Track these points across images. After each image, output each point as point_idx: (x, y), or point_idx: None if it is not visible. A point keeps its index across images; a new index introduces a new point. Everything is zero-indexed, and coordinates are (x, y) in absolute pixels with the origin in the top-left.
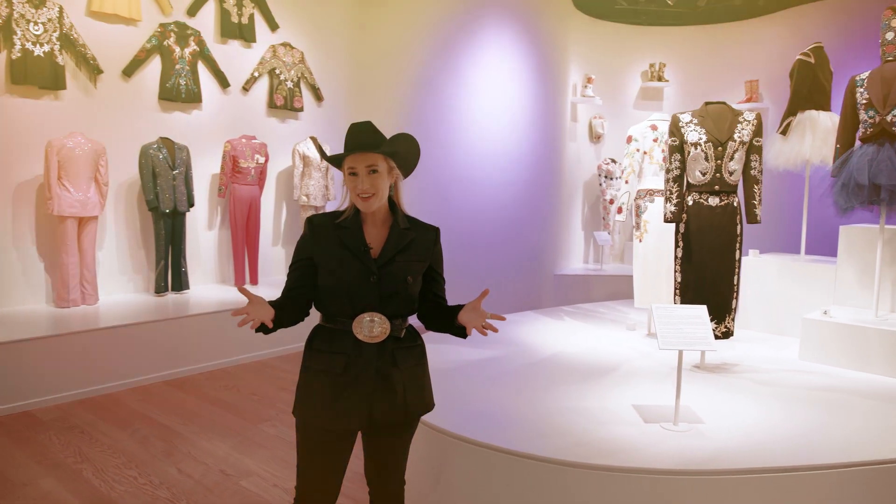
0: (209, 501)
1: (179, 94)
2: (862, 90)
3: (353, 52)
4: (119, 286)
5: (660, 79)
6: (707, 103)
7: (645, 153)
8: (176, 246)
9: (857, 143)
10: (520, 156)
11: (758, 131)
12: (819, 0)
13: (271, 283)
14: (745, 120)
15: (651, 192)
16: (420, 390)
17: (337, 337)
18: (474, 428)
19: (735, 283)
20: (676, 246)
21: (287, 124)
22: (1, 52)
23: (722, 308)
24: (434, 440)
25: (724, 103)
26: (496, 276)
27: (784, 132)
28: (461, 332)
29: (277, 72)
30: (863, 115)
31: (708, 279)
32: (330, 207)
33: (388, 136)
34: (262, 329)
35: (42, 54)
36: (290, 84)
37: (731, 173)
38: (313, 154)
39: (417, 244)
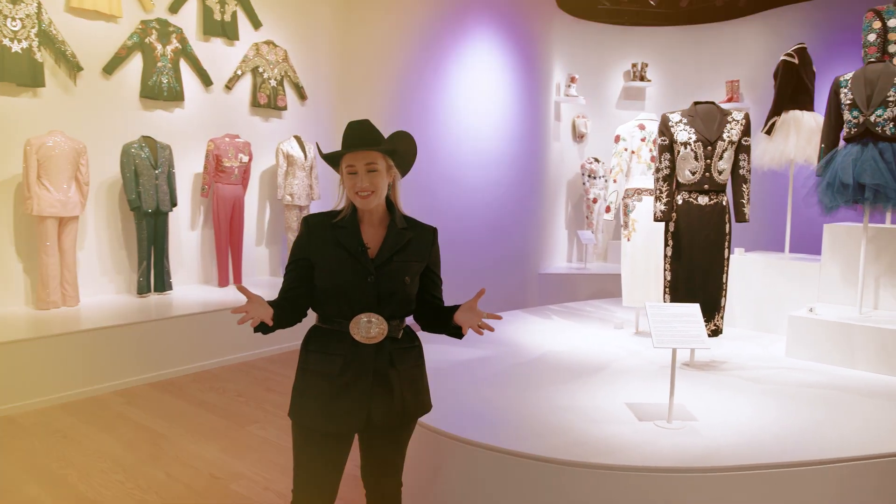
0: None
1: (161, 92)
2: (846, 90)
3: (336, 50)
4: (100, 287)
5: (642, 78)
6: (696, 103)
7: (633, 152)
8: (158, 246)
9: (842, 142)
10: (504, 155)
11: (746, 131)
12: (798, 2)
13: (255, 284)
14: (734, 120)
15: (639, 191)
16: (417, 391)
17: (334, 338)
18: (469, 428)
19: (724, 281)
20: (666, 244)
21: (270, 123)
22: None
23: (711, 306)
24: (429, 440)
25: (713, 103)
26: (481, 276)
27: (769, 132)
28: (457, 333)
29: (261, 70)
30: (847, 116)
31: (697, 277)
32: (314, 207)
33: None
34: (262, 328)
35: (20, 51)
36: (273, 82)
37: (720, 172)
38: (297, 153)
39: (415, 244)
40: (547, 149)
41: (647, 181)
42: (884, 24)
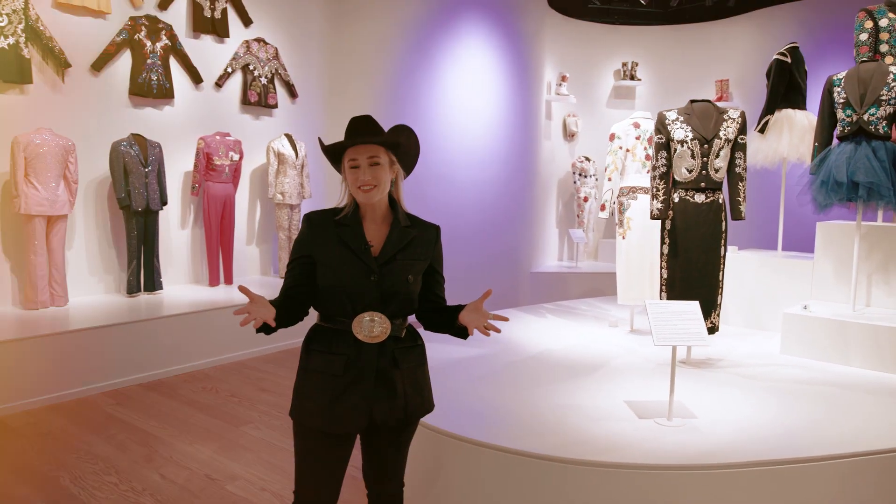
0: None
1: (151, 89)
2: (839, 89)
3: (327, 48)
4: (89, 287)
5: (632, 77)
6: (692, 101)
7: (627, 150)
8: (148, 245)
9: (835, 141)
10: (496, 154)
11: (742, 129)
12: (787, 2)
13: (246, 283)
14: (730, 118)
15: (634, 190)
16: (420, 391)
17: (336, 337)
18: (469, 427)
19: (720, 279)
20: (662, 242)
21: (261, 121)
22: None
23: (707, 304)
24: (429, 440)
25: (709, 101)
26: (473, 275)
27: (762, 130)
28: (462, 333)
29: (251, 68)
30: (840, 114)
31: (694, 275)
32: (305, 205)
33: None
34: (264, 329)
35: (6, 47)
36: (264, 80)
37: (716, 170)
38: (288, 151)
39: (418, 242)
40: (538, 147)
41: (642, 179)
42: (875, 24)
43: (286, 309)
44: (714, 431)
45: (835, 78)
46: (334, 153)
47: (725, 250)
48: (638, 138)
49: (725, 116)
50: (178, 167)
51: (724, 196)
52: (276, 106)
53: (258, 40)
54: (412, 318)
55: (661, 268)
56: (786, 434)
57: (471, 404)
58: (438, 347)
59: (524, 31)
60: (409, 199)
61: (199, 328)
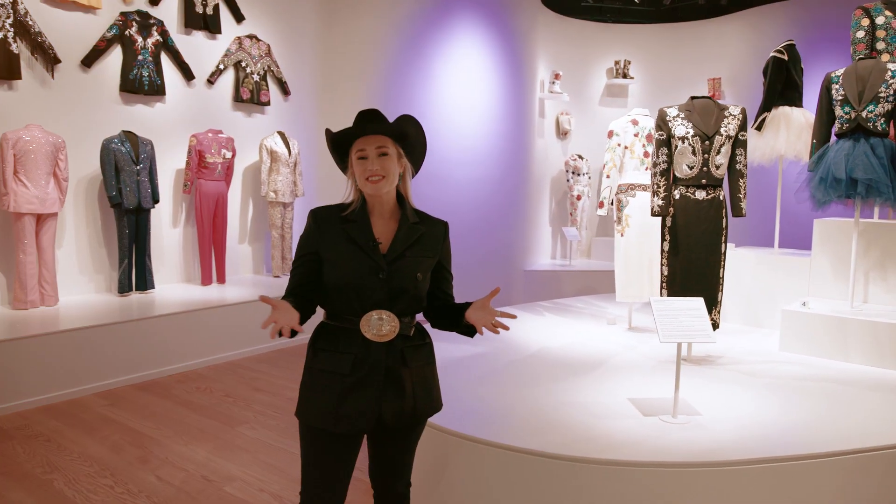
0: None
1: (142, 86)
2: (837, 87)
3: (320, 45)
4: (80, 286)
5: (625, 76)
6: (693, 98)
7: (626, 147)
8: (140, 244)
9: (833, 138)
10: (489, 152)
11: (743, 126)
12: (778, 1)
13: (238, 282)
14: (731, 114)
15: (632, 187)
16: (429, 391)
17: (343, 336)
18: (473, 425)
19: (721, 275)
20: (663, 239)
21: (253, 118)
22: None
23: (708, 300)
24: (434, 439)
25: (710, 98)
26: (467, 273)
27: (759, 127)
28: (469, 332)
29: (243, 64)
30: (838, 111)
31: (694, 272)
32: (298, 203)
33: None
34: (291, 333)
35: None
36: (256, 77)
37: (717, 167)
38: (281, 149)
39: (427, 239)
40: (531, 145)
41: (641, 176)
42: (872, 22)
43: (303, 310)
44: (719, 428)
45: (833, 75)
46: (341, 149)
47: (726, 247)
48: (636, 135)
49: (726, 113)
50: (169, 165)
51: (724, 193)
52: (268, 103)
53: (250, 37)
54: (419, 316)
55: (662, 265)
56: (790, 431)
57: (473, 403)
58: (437, 346)
59: (517, 28)
60: None
61: (192, 328)
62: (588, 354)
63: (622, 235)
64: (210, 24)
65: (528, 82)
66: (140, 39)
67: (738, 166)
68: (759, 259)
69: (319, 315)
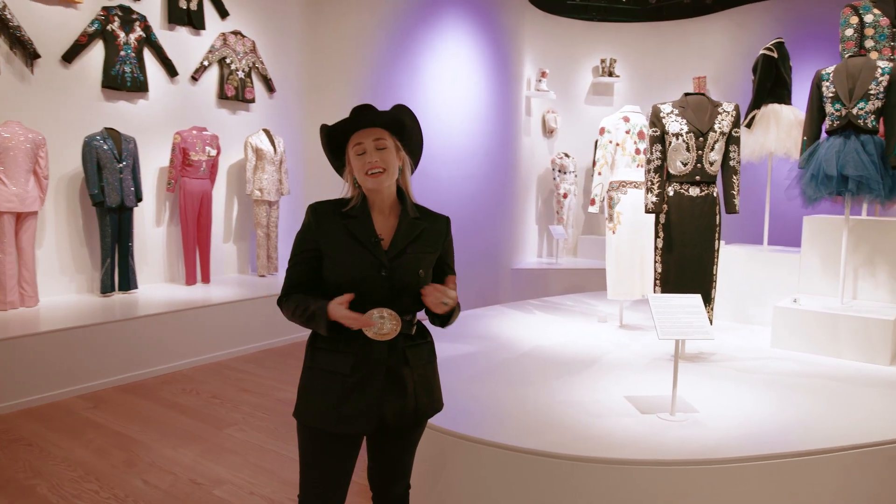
0: None
1: (125, 82)
2: (828, 84)
3: (306, 42)
4: (61, 287)
5: (611, 74)
6: (686, 94)
7: (617, 144)
8: (123, 243)
9: (823, 135)
10: (476, 150)
11: (736, 122)
12: (762, 0)
13: (224, 282)
14: (725, 111)
15: (624, 184)
16: (431, 390)
17: (343, 334)
18: (470, 425)
19: (714, 272)
20: (657, 236)
21: (238, 116)
22: None
23: (702, 297)
24: (431, 439)
25: (703, 94)
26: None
27: (749, 125)
28: (435, 320)
29: (228, 61)
30: (829, 108)
31: (688, 269)
32: (284, 202)
33: None
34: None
35: None
36: (241, 74)
37: (711, 164)
38: (266, 147)
39: (428, 234)
40: (518, 144)
41: (632, 174)
42: (860, 20)
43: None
44: (718, 426)
45: (823, 72)
46: (336, 146)
47: (720, 244)
48: (628, 132)
49: (720, 110)
50: (153, 163)
51: (718, 189)
52: (253, 100)
53: (235, 33)
54: (420, 314)
55: (656, 262)
56: (789, 427)
57: (468, 402)
58: None
59: (504, 26)
60: None
61: (177, 328)
62: (581, 352)
63: (614, 233)
64: (194, 20)
65: (515, 80)
66: (122, 35)
67: (731, 163)
68: (749, 256)
69: None
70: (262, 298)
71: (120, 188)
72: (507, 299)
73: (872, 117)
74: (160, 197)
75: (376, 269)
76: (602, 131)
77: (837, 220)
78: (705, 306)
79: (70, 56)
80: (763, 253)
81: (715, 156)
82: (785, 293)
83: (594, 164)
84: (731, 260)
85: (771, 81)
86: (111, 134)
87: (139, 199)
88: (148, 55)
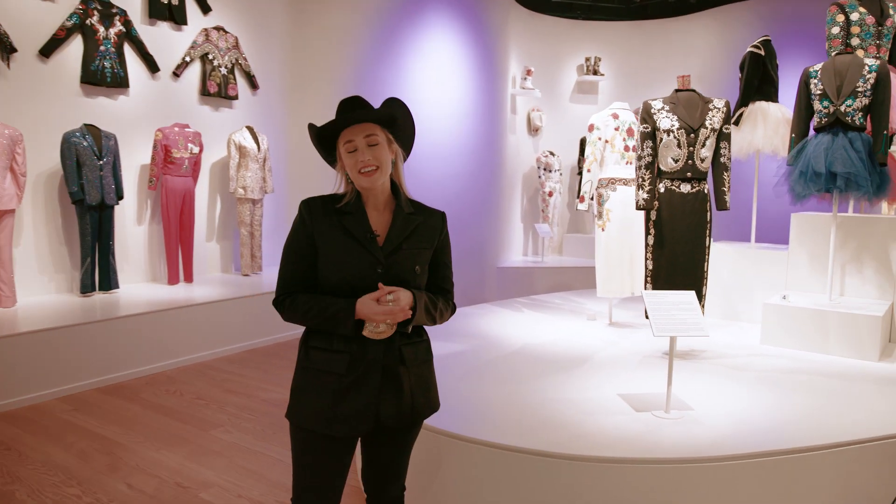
0: None
1: (104, 78)
2: (816, 81)
3: (289, 39)
4: (39, 287)
5: (595, 72)
6: (677, 90)
7: (606, 142)
8: (103, 242)
9: (811, 132)
10: (461, 148)
11: (727, 119)
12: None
13: (207, 281)
14: (715, 107)
15: (613, 181)
16: (427, 390)
17: (338, 333)
18: (464, 424)
19: (705, 269)
20: (647, 233)
21: (221, 113)
22: None
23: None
24: (425, 439)
25: (694, 91)
26: None
27: (736, 122)
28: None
29: (210, 57)
30: (817, 105)
31: (679, 266)
32: (268, 200)
33: None
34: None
35: None
36: (223, 70)
37: (702, 160)
38: (250, 144)
39: (423, 229)
40: (503, 142)
41: (621, 171)
42: (846, 18)
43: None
44: (713, 423)
45: (811, 70)
46: (326, 143)
47: (710, 241)
48: (617, 129)
49: (711, 106)
50: (134, 160)
51: (708, 186)
52: (236, 97)
53: (217, 28)
54: None
55: (647, 259)
56: (784, 424)
57: (460, 401)
58: None
59: (489, 24)
60: None
61: (159, 328)
62: (571, 350)
63: (603, 230)
64: (175, 15)
65: (500, 78)
66: (102, 29)
67: (722, 160)
68: (737, 253)
69: None
70: (245, 298)
71: (100, 185)
72: (493, 298)
73: (860, 114)
74: (141, 195)
75: (372, 267)
76: (591, 128)
77: (825, 216)
78: None
79: (48, 50)
80: (751, 250)
81: (706, 152)
82: (773, 290)
83: (580, 161)
84: (720, 257)
85: (758, 79)
86: (91, 130)
87: (120, 197)
88: (128, 50)
